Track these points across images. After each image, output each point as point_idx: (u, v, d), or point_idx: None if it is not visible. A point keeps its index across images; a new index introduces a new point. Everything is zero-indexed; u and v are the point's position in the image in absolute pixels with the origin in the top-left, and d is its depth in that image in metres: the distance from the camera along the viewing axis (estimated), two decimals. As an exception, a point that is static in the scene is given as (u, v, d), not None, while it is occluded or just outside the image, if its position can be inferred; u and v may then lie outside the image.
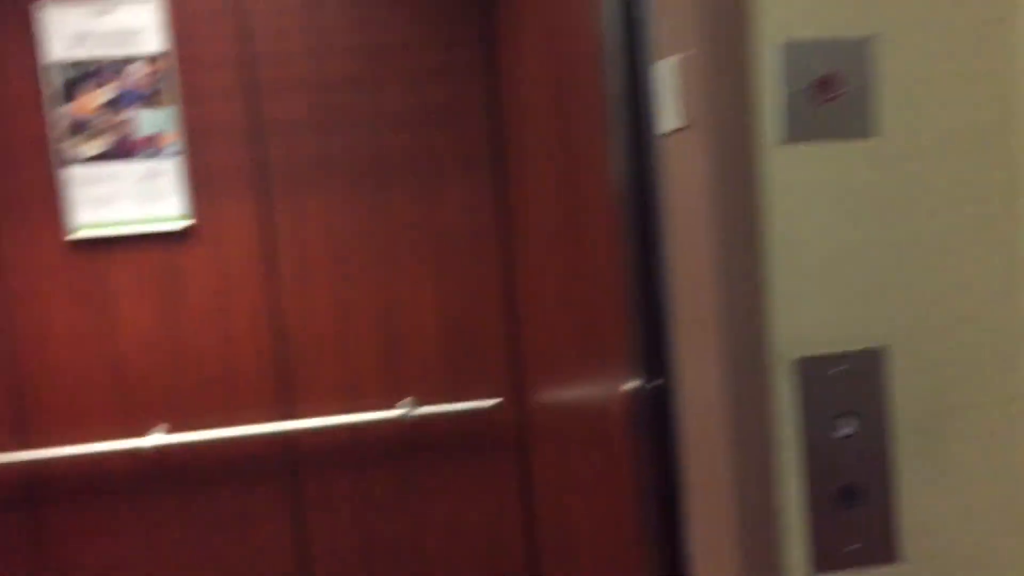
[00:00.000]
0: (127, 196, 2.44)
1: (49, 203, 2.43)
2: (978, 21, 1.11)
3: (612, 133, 1.47)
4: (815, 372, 1.14)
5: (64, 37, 2.38)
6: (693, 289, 1.20)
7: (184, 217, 2.49)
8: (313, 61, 2.54)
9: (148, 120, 2.44)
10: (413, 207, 2.61)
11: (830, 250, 1.12)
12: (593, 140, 1.68)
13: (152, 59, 2.43)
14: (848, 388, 1.14)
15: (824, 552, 1.17)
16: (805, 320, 1.13)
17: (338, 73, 2.55)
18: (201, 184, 2.51)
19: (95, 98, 2.41)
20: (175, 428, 2.57)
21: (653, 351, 1.49)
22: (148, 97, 2.43)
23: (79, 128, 2.41)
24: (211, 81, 2.50)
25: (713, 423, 1.18)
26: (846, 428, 1.15)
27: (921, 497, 1.16)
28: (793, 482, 1.15)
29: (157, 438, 2.51)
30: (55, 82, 2.39)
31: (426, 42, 2.58)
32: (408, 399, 2.66)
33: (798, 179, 1.11)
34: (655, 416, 1.50)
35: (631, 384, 1.58)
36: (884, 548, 1.17)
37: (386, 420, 2.63)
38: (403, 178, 2.60)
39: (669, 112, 1.20)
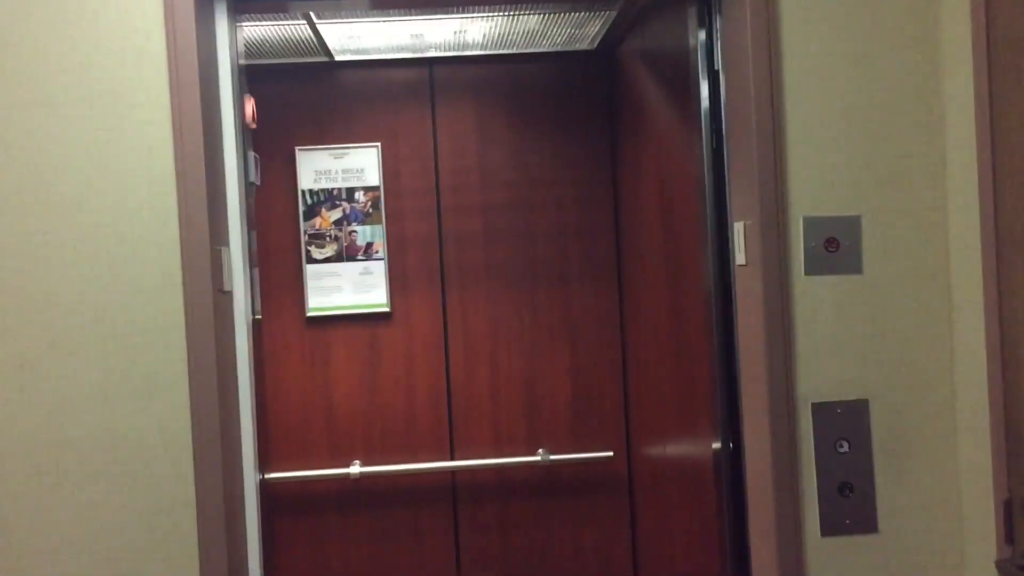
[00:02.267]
0: (347, 288, 3.35)
1: (295, 289, 3.35)
2: (920, 207, 1.90)
3: (705, 258, 2.28)
4: (824, 412, 1.91)
5: (311, 172, 3.33)
6: (752, 364, 1.98)
7: (385, 305, 3.38)
8: (482, 191, 3.43)
9: (365, 233, 3.35)
10: (553, 301, 3.45)
11: (833, 340, 1.90)
12: (692, 261, 2.48)
13: (370, 189, 3.36)
14: (845, 421, 1.91)
15: (828, 523, 1.92)
16: (819, 380, 1.90)
17: (501, 200, 3.44)
18: (398, 281, 3.40)
19: (330, 216, 3.34)
20: (368, 462, 3.41)
21: (731, 420, 2.25)
22: (366, 217, 3.35)
23: (317, 237, 3.34)
24: (408, 205, 3.41)
25: (762, 443, 1.95)
26: (844, 447, 1.91)
27: (890, 491, 1.91)
28: (811, 478, 1.91)
29: (355, 468, 3.36)
30: (304, 203, 3.33)
31: (567, 178, 3.45)
32: (543, 448, 3.46)
33: (815, 297, 1.90)
34: (731, 469, 2.25)
35: (715, 445, 2.33)
36: (867, 523, 1.92)
37: (525, 463, 3.43)
38: (547, 279, 3.45)
39: (740, 253, 2.01)
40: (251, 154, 2.17)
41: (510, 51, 3.37)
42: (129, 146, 1.83)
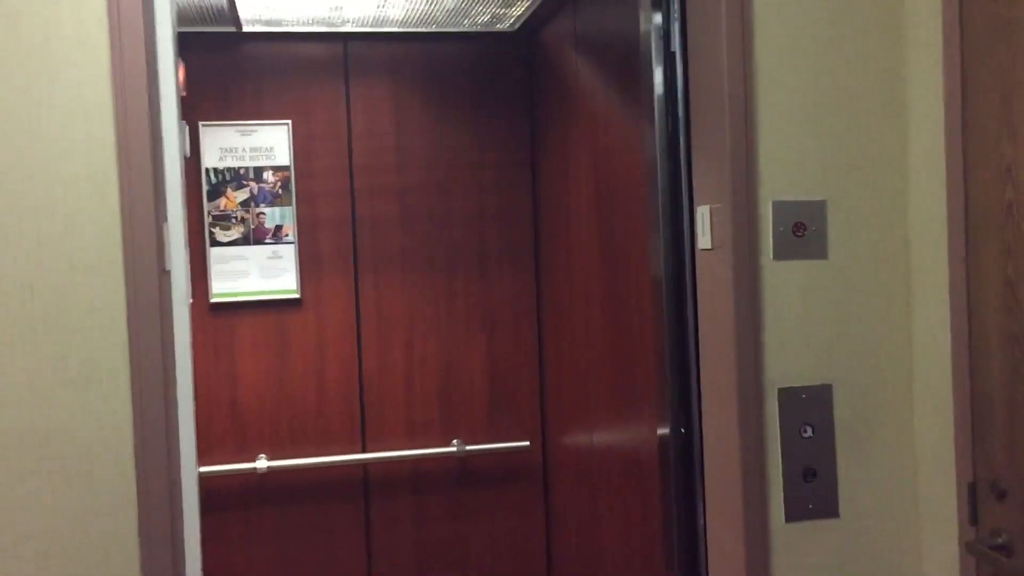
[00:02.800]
0: (254, 272, 3.17)
1: (197, 274, 3.14)
2: (883, 193, 1.91)
3: (655, 243, 2.24)
4: (790, 397, 1.90)
5: (216, 149, 3.13)
6: (717, 349, 1.96)
7: (295, 290, 3.21)
8: (398, 173, 3.31)
9: (274, 215, 3.18)
10: (470, 287, 3.37)
11: (799, 325, 1.90)
12: (636, 246, 2.45)
13: (279, 169, 3.19)
14: (809, 407, 1.91)
15: (792, 508, 1.91)
16: (785, 365, 1.89)
17: (417, 182, 3.33)
18: (309, 265, 3.24)
19: (236, 197, 3.15)
20: (275, 456, 3.24)
21: (682, 406, 2.22)
22: (275, 198, 3.18)
23: (222, 219, 3.14)
24: (320, 187, 3.25)
25: (728, 428, 1.93)
26: (808, 432, 1.91)
27: (851, 476, 1.92)
28: (776, 463, 1.90)
29: (262, 463, 3.19)
30: (208, 183, 3.13)
31: (485, 162, 3.37)
32: (458, 439, 3.37)
33: (782, 281, 1.89)
34: (682, 455, 2.23)
35: (662, 431, 2.30)
36: (829, 508, 1.92)
37: (440, 455, 3.34)
38: (464, 264, 3.36)
39: (705, 237, 1.98)
40: (183, 123, 2.00)
41: (428, 30, 3.27)
42: (64, 109, 1.64)
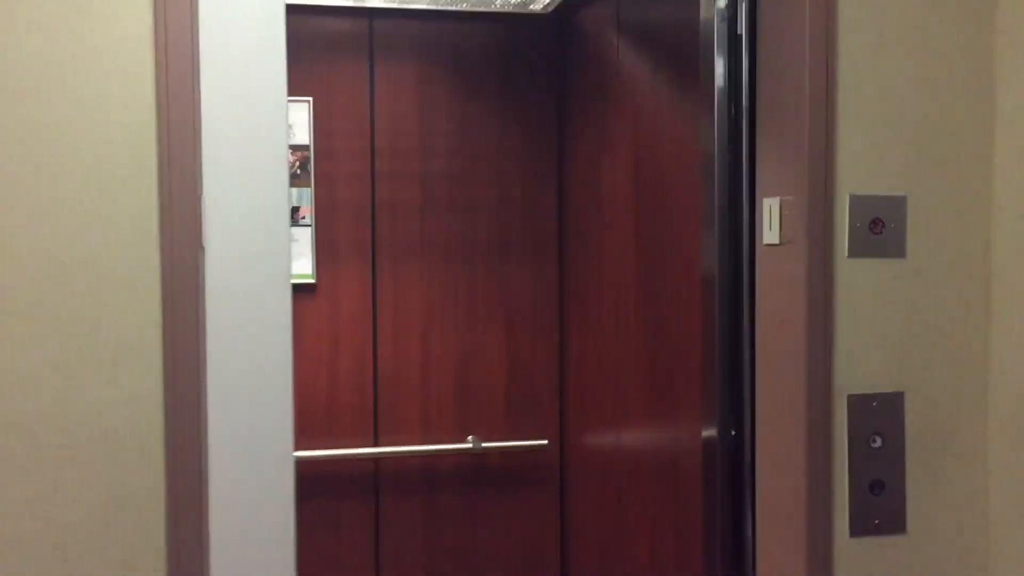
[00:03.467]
0: (269, 255, 3.03)
1: (211, 256, 3.00)
2: (966, 191, 1.80)
3: (710, 238, 2.12)
4: (860, 404, 1.79)
5: (234, 125, 2.99)
6: (782, 350, 1.84)
7: (310, 276, 3.08)
8: (421, 158, 3.18)
9: (291, 197, 3.04)
10: (490, 279, 3.24)
11: (872, 327, 1.78)
12: (684, 241, 2.33)
13: (298, 148, 3.05)
14: (879, 415, 1.80)
15: (857, 523, 1.80)
16: (856, 370, 1.78)
17: (440, 169, 3.20)
18: (325, 250, 3.11)
19: (253, 175, 3.01)
20: (283, 447, 3.11)
21: (731, 406, 2.11)
22: (293, 178, 3.04)
23: (238, 198, 3.00)
24: (340, 168, 3.12)
25: (791, 435, 1.81)
26: (877, 442, 1.80)
27: (920, 490, 1.81)
28: (843, 474, 1.78)
29: (270, 454, 3.05)
30: (224, 160, 2.99)
31: (511, 150, 3.25)
32: (473, 435, 3.25)
33: (857, 281, 1.77)
34: (730, 459, 2.11)
35: (707, 433, 2.18)
36: (896, 523, 1.81)
37: (455, 451, 3.22)
38: (485, 255, 3.23)
39: (772, 231, 1.86)
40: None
41: (457, 8, 3.14)
42: (102, 65, 1.50)
